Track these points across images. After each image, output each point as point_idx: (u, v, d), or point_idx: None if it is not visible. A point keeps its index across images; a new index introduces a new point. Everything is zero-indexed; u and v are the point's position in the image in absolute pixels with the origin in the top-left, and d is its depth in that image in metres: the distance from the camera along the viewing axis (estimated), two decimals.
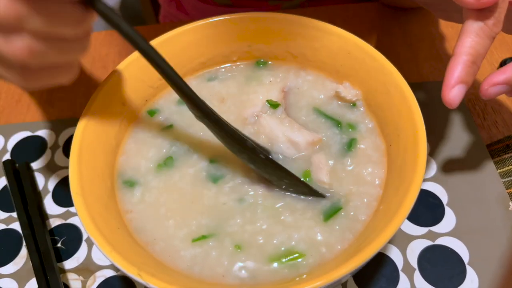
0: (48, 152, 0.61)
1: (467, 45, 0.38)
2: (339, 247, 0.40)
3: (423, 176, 0.38)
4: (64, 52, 0.35)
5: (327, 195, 0.43)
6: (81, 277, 0.50)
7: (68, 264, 0.51)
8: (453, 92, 0.38)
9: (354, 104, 0.50)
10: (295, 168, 0.45)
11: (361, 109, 0.50)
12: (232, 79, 0.54)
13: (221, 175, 0.46)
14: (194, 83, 0.54)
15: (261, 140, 0.48)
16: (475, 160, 0.56)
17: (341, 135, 0.48)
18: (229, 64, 0.55)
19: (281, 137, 0.47)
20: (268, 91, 0.52)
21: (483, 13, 0.38)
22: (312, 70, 0.53)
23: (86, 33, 0.36)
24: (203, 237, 0.42)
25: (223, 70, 0.55)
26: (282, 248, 0.40)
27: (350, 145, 0.47)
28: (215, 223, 0.42)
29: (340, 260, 0.36)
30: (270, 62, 0.55)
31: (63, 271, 0.51)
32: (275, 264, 0.40)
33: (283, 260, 0.40)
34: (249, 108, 0.50)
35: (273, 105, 0.50)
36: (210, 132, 0.42)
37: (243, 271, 0.40)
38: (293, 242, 0.41)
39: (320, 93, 0.52)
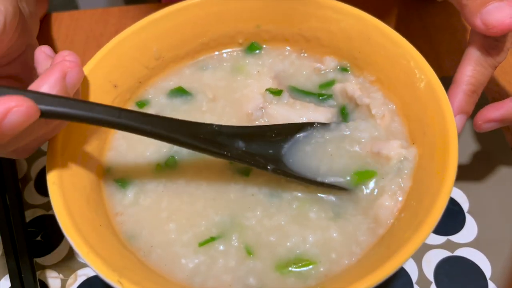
0: None
1: (468, 74, 0.38)
2: (351, 259, 0.37)
3: (453, 184, 0.33)
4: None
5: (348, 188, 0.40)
6: (61, 275, 0.47)
7: (48, 260, 0.47)
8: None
9: (345, 69, 0.47)
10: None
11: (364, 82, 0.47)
12: (224, 71, 0.50)
13: (250, 168, 0.41)
14: (188, 72, 0.50)
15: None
16: (500, 165, 0.52)
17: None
18: (230, 49, 0.51)
19: (300, 121, 0.44)
20: (260, 82, 0.48)
21: (488, 41, 0.38)
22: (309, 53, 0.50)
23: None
24: (212, 239, 0.37)
25: (224, 55, 0.50)
26: (297, 251, 0.36)
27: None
28: (229, 219, 0.39)
29: (358, 273, 0.32)
30: (264, 46, 0.50)
31: (42, 267, 0.47)
32: (284, 271, 0.36)
33: (293, 267, 0.36)
34: (249, 102, 0.46)
35: (275, 92, 0.46)
36: None
37: (251, 279, 0.35)
38: (308, 245, 0.37)
39: (305, 72, 0.49)
